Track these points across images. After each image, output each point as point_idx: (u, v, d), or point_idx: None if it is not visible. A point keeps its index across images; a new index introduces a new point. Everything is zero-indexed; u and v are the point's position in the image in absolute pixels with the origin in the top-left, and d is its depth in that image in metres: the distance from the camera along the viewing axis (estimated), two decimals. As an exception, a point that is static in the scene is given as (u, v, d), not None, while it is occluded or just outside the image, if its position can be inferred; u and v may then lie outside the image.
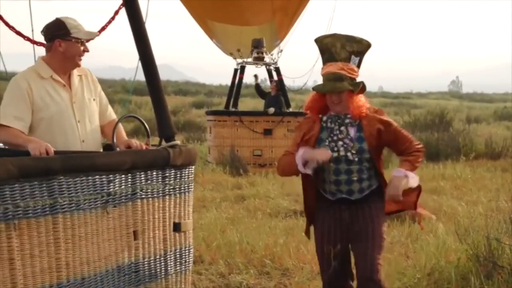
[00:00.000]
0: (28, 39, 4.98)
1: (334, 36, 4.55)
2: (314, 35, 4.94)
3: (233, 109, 16.19)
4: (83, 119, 4.64)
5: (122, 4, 4.68)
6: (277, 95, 16.02)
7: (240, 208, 10.21)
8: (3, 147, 4.57)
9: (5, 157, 3.72)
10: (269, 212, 9.89)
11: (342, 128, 4.58)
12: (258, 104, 28.06)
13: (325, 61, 4.56)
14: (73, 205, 3.83)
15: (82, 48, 4.62)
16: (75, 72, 4.71)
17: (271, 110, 15.33)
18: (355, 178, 4.59)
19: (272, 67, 16.53)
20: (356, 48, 4.56)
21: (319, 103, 4.62)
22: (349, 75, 4.52)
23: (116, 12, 4.95)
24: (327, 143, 4.57)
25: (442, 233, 7.47)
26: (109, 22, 5.05)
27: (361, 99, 4.57)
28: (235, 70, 16.65)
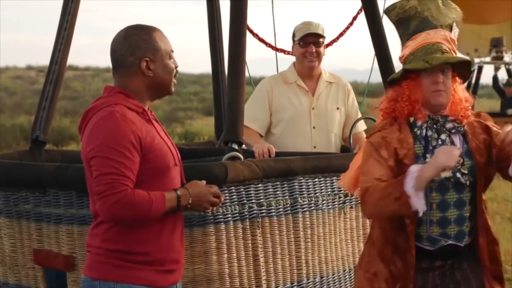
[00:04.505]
0: (269, 45, 5.16)
1: None
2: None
3: (469, 110, 15.85)
4: (320, 126, 4.72)
5: (361, 9, 4.75)
6: (514, 96, 15.48)
7: (477, 212, 9.95)
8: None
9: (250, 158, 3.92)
10: (508, 217, 9.55)
11: (443, 136, 3.05)
12: (495, 105, 27.13)
13: (415, 30, 3.07)
14: (312, 205, 3.94)
15: (306, 48, 4.66)
16: (325, 77, 4.81)
17: (511, 111, 14.82)
18: (467, 214, 3.05)
19: (512, 66, 16.01)
20: (454, 15, 3.13)
21: (416, 97, 3.04)
22: (451, 50, 3.07)
23: (355, 17, 5.01)
24: (427, 160, 3.00)
25: None
26: (347, 27, 5.11)
27: (465, 92, 3.12)
28: (472, 70, 16.31)
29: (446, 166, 2.86)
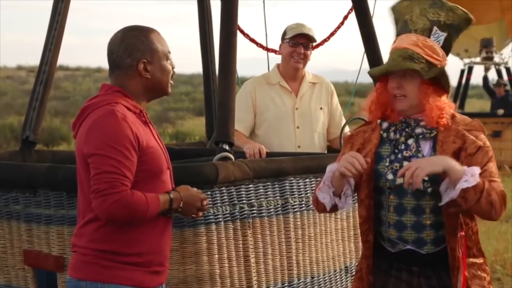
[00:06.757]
0: (260, 45, 5.16)
1: None
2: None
3: (459, 111, 15.91)
4: (304, 126, 4.72)
5: (351, 9, 4.76)
6: (504, 96, 15.54)
7: (467, 212, 9.97)
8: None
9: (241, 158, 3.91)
10: (498, 217, 9.58)
11: (411, 141, 3.00)
12: (485, 105, 27.21)
13: (397, 33, 3.05)
14: (303, 205, 3.94)
15: (295, 48, 4.65)
16: (308, 78, 4.81)
17: (501, 111, 14.86)
18: (427, 222, 2.98)
19: (502, 67, 16.06)
20: (444, 18, 2.99)
21: (384, 100, 3.05)
22: (426, 56, 2.94)
23: (346, 17, 5.01)
24: (386, 163, 3.01)
25: None
26: (338, 27, 5.10)
27: (442, 98, 2.98)
28: (462, 71, 16.35)
29: (339, 170, 2.90)
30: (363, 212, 3.05)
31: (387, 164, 2.99)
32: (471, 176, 2.81)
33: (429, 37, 2.96)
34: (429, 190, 2.93)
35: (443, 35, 2.98)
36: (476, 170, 2.84)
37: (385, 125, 3.03)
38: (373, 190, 3.02)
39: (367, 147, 3.03)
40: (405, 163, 2.93)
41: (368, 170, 3.00)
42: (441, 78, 2.96)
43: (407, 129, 2.99)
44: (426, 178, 2.88)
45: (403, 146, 2.99)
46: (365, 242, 3.08)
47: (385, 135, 3.03)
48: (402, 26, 3.01)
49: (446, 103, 2.98)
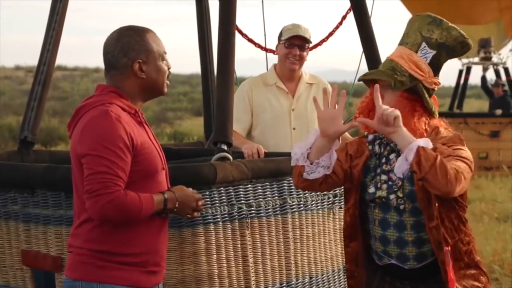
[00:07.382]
0: (259, 46, 5.16)
1: (421, 15, 3.04)
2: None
3: (458, 111, 15.94)
4: (300, 127, 4.72)
5: (350, 9, 4.76)
6: (503, 96, 15.55)
7: (465, 212, 9.97)
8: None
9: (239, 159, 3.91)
10: (496, 217, 9.59)
11: (392, 156, 2.97)
12: (483, 105, 27.23)
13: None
14: (301, 205, 3.95)
15: (290, 50, 4.63)
16: (305, 79, 4.81)
17: (499, 111, 14.88)
18: (409, 238, 2.97)
19: (500, 67, 16.07)
20: (437, 36, 2.96)
21: (369, 107, 3.04)
22: (409, 69, 2.92)
23: (344, 17, 5.01)
24: (371, 177, 3.01)
25: None
26: (337, 27, 5.10)
27: (421, 113, 2.96)
28: (460, 71, 16.38)
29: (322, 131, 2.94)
30: (347, 219, 3.10)
31: (370, 178, 3.00)
32: (423, 141, 2.77)
33: (416, 52, 2.95)
34: (401, 207, 2.93)
35: (431, 53, 2.95)
36: (427, 140, 2.79)
37: (370, 137, 3.03)
38: (361, 201, 3.04)
39: (358, 157, 3.04)
40: (383, 177, 2.96)
41: (356, 181, 3.03)
42: (422, 95, 2.95)
43: (391, 144, 2.98)
44: (401, 195, 2.93)
45: (384, 160, 2.99)
46: (346, 247, 3.13)
47: (370, 147, 3.03)
48: (401, 38, 3.02)
49: (427, 119, 2.95)
